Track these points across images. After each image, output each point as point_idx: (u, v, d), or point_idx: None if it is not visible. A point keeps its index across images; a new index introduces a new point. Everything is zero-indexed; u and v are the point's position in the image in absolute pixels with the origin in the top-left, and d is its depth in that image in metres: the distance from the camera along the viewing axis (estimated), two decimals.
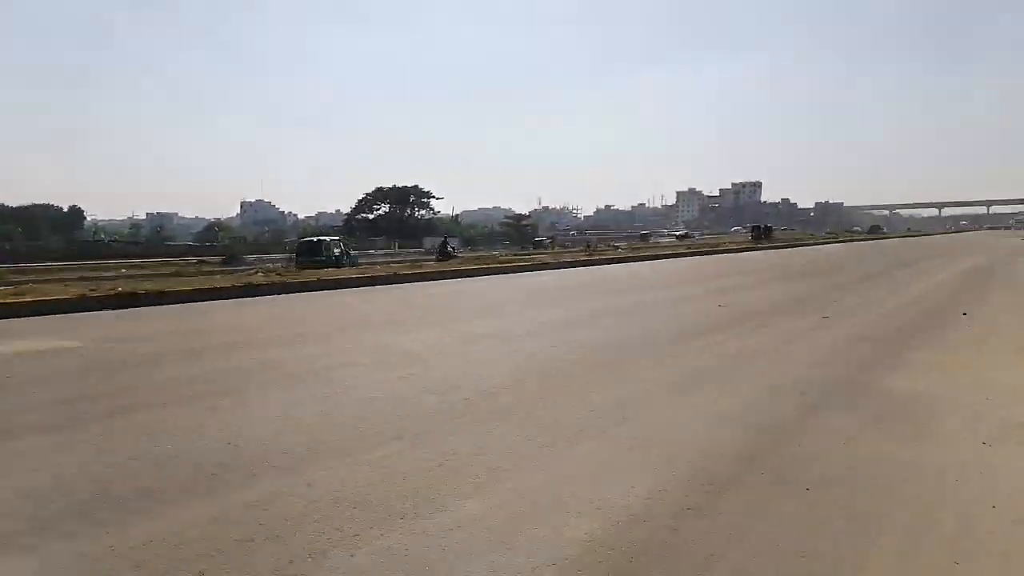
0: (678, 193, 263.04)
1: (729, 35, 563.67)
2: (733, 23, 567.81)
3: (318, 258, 33.85)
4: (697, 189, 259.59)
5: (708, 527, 3.85)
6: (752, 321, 12.11)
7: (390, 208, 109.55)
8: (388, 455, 5.04)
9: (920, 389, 7.06)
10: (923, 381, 7.42)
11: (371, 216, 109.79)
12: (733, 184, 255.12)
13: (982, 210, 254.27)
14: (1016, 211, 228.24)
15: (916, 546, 3.64)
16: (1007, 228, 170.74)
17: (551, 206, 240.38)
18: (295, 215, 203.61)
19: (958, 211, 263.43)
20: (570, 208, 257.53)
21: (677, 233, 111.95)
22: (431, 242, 70.15)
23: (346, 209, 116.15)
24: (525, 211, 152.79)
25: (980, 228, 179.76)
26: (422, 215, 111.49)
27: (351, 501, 4.17)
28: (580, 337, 10.59)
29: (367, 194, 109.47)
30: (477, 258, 45.87)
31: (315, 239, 40.47)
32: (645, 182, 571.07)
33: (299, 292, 18.56)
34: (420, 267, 27.94)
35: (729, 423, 5.90)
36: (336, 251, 35.92)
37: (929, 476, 4.65)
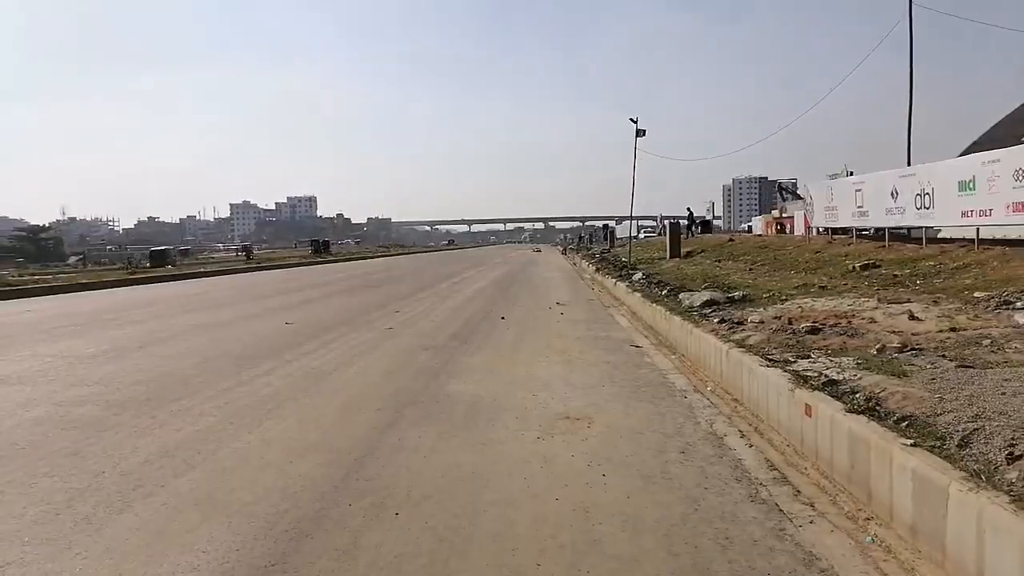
0: (232, 206, 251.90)
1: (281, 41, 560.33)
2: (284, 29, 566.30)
3: None
4: (252, 202, 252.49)
5: None
6: (321, 337, 11.91)
7: None
8: None
9: (481, 393, 7.66)
10: (482, 385, 8.09)
11: None
12: (289, 198, 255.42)
13: (500, 226, 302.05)
14: (528, 227, 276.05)
15: (503, 551, 3.75)
16: (520, 242, 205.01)
17: (80, 217, 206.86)
18: None
19: (483, 227, 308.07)
20: (105, 220, 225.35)
21: (235, 247, 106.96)
22: None
23: None
24: (44, 222, 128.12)
25: (501, 242, 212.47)
26: None
27: None
28: (120, 371, 9.00)
29: None
30: None
31: None
32: (197, 193, 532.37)
33: None
34: None
35: (311, 452, 5.51)
36: None
37: (502, 479, 4.94)
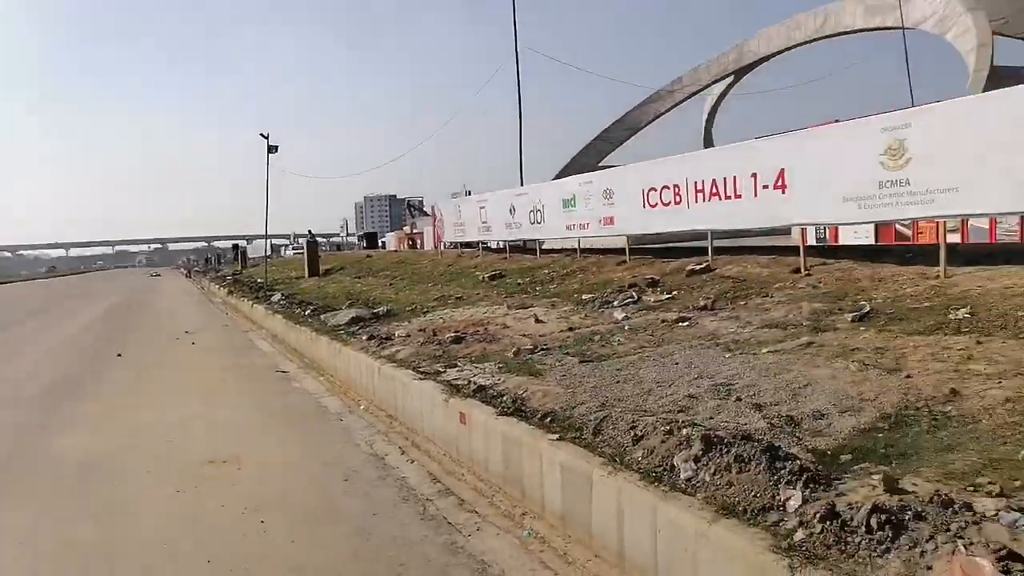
0: None
1: None
2: None
3: None
4: None
5: None
6: None
7: None
8: None
9: (97, 448, 6.42)
10: (99, 437, 6.80)
11: None
12: None
13: (109, 249, 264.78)
14: (141, 250, 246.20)
15: None
16: (134, 266, 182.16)
17: None
18: None
19: (87, 251, 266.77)
20: None
21: None
22: None
23: None
24: None
25: (109, 267, 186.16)
26: None
27: None
28: None
29: None
30: None
31: None
32: None
33: None
34: None
35: None
36: None
37: (135, 552, 4.13)
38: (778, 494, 3.04)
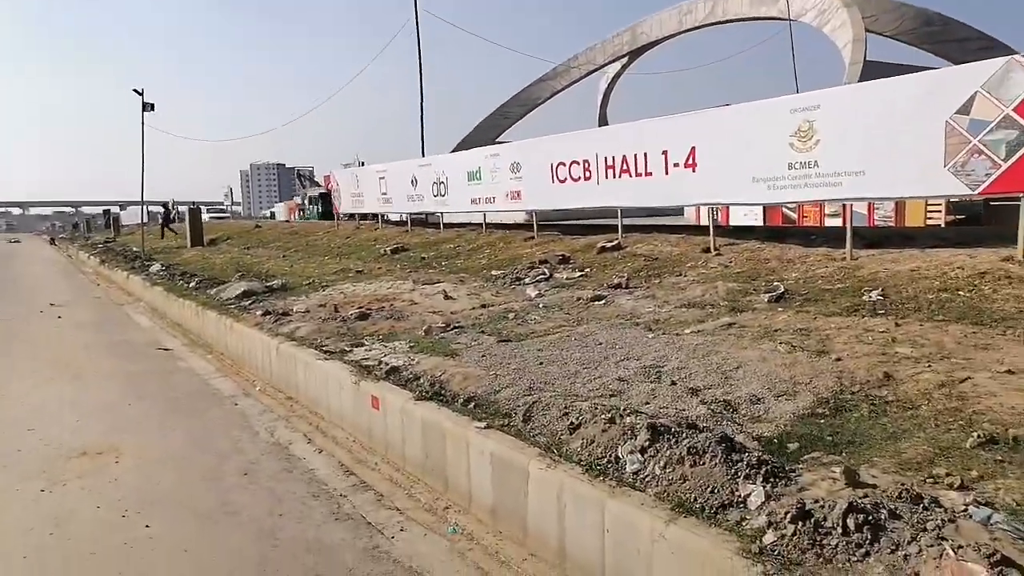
0: None
1: None
2: None
3: None
4: None
5: None
6: None
7: None
8: None
9: None
10: None
11: None
12: None
13: None
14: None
15: None
16: None
17: None
18: None
19: None
20: None
21: None
22: None
23: None
24: None
25: None
26: None
27: None
28: None
29: None
30: None
31: None
32: None
33: None
34: None
35: None
36: None
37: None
38: (737, 489, 2.85)
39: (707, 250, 8.96)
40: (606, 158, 10.53)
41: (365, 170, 19.48)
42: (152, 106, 25.07)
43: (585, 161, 10.95)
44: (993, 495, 2.57)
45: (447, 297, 8.77)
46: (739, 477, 2.90)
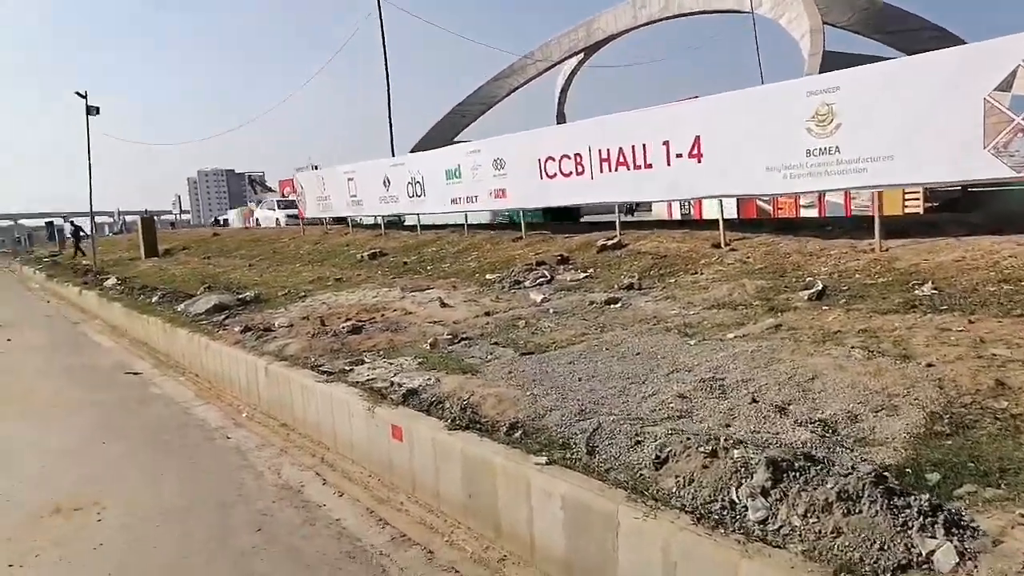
0: None
1: None
2: None
3: None
4: None
5: None
6: None
7: None
8: None
9: None
10: None
11: None
12: None
13: None
14: None
15: None
16: None
17: None
18: None
19: None
20: None
21: None
22: None
23: None
24: None
25: None
26: None
27: None
28: None
29: None
30: None
31: None
32: None
33: None
34: None
35: None
36: None
37: None
38: (913, 545, 2.31)
39: (717, 245, 8.49)
40: (600, 151, 9.99)
41: (332, 171, 18.53)
42: (97, 109, 23.73)
43: (577, 155, 10.39)
44: None
45: (444, 305, 8.13)
46: (911, 528, 2.35)
